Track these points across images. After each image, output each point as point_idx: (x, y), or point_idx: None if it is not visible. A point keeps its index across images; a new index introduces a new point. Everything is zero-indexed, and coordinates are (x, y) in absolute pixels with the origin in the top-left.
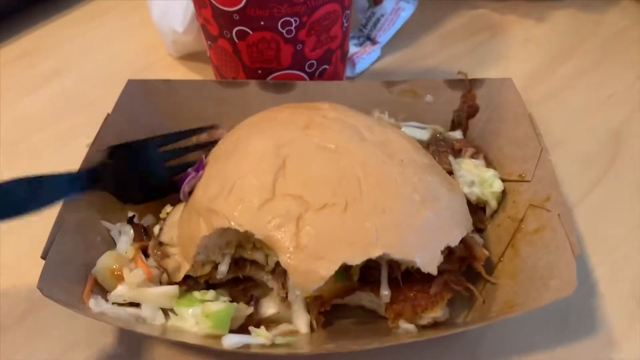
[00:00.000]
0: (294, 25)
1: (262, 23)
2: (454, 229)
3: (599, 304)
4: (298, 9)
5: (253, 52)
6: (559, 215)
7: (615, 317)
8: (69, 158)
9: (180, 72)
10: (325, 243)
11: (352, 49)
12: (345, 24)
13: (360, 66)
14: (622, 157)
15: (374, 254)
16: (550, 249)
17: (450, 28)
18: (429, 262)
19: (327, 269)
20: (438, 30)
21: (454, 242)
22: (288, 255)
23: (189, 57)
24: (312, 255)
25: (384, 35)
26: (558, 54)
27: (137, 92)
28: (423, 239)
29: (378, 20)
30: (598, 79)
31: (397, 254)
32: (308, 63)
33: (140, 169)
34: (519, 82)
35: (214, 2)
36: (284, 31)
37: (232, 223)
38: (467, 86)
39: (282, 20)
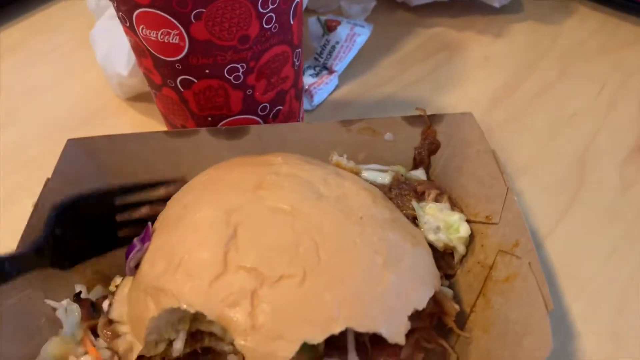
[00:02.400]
0: (241, 71)
1: (207, 71)
2: (421, 290)
3: (578, 345)
4: (244, 55)
5: (200, 99)
6: (529, 263)
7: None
8: (13, 219)
9: (130, 116)
10: (283, 321)
11: (309, 79)
12: (297, 63)
13: (318, 98)
14: (588, 182)
15: (336, 329)
16: (522, 301)
17: (407, 50)
18: (395, 331)
19: (287, 350)
20: (395, 53)
21: (421, 304)
22: (243, 337)
23: (139, 97)
24: (270, 335)
25: (340, 64)
26: (518, 72)
27: (78, 152)
28: (388, 307)
29: (333, 47)
30: (560, 96)
31: (360, 327)
32: (260, 106)
33: (88, 229)
34: (480, 105)
35: (153, 52)
36: (231, 77)
37: (182, 303)
38: (427, 122)
39: (228, 67)
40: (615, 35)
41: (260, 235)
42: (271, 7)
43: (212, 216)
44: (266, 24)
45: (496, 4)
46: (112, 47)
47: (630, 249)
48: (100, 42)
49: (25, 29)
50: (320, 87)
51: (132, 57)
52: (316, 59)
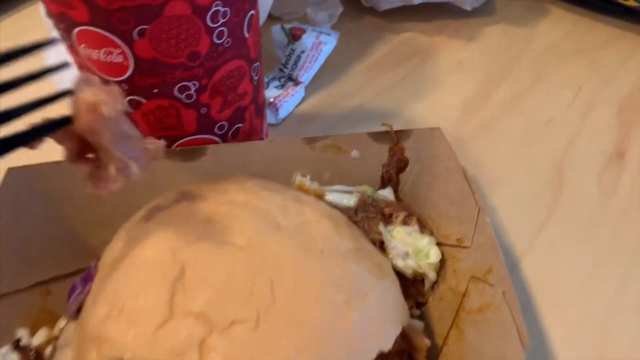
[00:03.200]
0: (193, 89)
1: (155, 91)
2: (387, 329)
3: None
4: (195, 72)
5: (151, 120)
6: (503, 292)
7: None
8: None
9: None
10: None
11: (274, 92)
12: (256, 77)
13: (284, 111)
14: (566, 193)
15: None
16: (496, 334)
17: (376, 57)
18: None
19: None
20: (364, 61)
21: (387, 345)
22: None
23: None
24: None
25: (306, 74)
26: (492, 76)
27: (20, 181)
28: (351, 350)
29: (299, 57)
30: (535, 101)
31: None
32: (217, 125)
33: None
34: (453, 114)
35: (97, 72)
36: (182, 96)
37: (125, 352)
38: (394, 138)
39: (179, 85)
40: (589, 36)
41: (210, 275)
42: (222, 20)
43: (158, 254)
44: (217, 39)
45: (468, 7)
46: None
47: (612, 266)
48: (52, 56)
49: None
50: (286, 100)
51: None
52: (281, 70)
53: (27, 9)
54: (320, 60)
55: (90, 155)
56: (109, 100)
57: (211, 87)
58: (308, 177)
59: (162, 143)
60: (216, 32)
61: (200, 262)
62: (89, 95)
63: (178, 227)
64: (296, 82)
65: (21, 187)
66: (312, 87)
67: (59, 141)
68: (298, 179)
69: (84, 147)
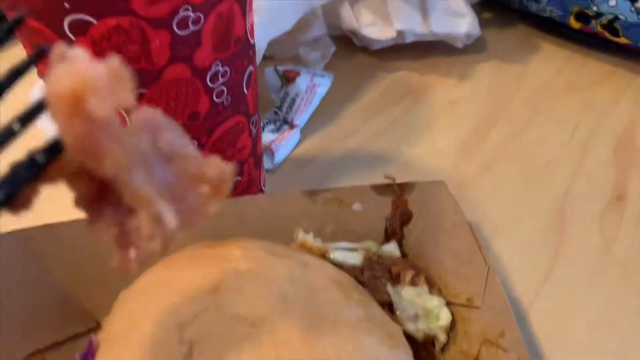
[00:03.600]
0: None
1: None
2: None
3: None
4: (194, 132)
5: None
6: (518, 358)
7: None
8: None
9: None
10: None
11: (269, 136)
12: (254, 130)
13: (280, 155)
14: (569, 239)
15: None
16: None
17: (370, 97)
18: None
19: None
20: (358, 101)
21: None
22: None
23: None
24: None
25: (301, 117)
26: (486, 116)
27: (11, 247)
28: None
29: (293, 100)
30: (532, 142)
31: None
32: None
33: None
34: (450, 156)
35: None
36: None
37: None
38: (397, 191)
39: None
40: (581, 73)
41: (220, 355)
42: (221, 80)
43: (163, 330)
44: (217, 98)
45: (459, 44)
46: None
47: (618, 314)
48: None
49: None
50: (281, 144)
51: None
52: (276, 113)
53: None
54: (315, 103)
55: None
56: (101, 85)
57: (211, 145)
58: (311, 233)
59: (231, 168)
60: (216, 91)
61: (208, 341)
62: (64, 79)
63: (183, 300)
64: (291, 125)
65: (13, 252)
66: (307, 129)
67: (54, 181)
68: (300, 235)
69: (101, 187)
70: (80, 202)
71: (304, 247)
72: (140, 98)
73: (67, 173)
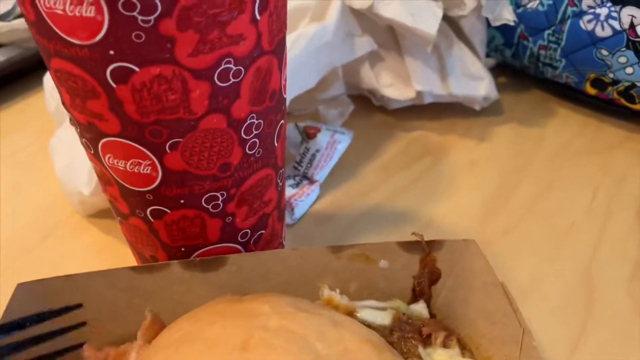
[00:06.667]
0: (220, 199)
1: (181, 201)
2: None
3: None
4: (224, 183)
5: (173, 230)
6: None
7: None
8: None
9: (91, 234)
10: None
11: (289, 191)
12: (280, 184)
13: (300, 210)
14: (598, 303)
15: None
16: None
17: (389, 155)
18: None
19: None
20: (377, 159)
21: None
22: None
23: (101, 214)
24: None
25: (321, 172)
26: (507, 177)
27: (30, 296)
28: None
29: (314, 156)
30: (555, 204)
31: None
32: (241, 233)
33: None
34: (474, 215)
35: (121, 182)
36: (209, 206)
37: None
38: (425, 249)
39: (206, 196)
40: (598, 138)
41: None
42: (255, 132)
43: None
44: (249, 150)
45: (477, 107)
46: (72, 161)
47: None
48: (60, 153)
49: None
50: (301, 199)
51: (94, 175)
52: (295, 168)
53: (28, 99)
54: (335, 159)
55: None
56: None
57: (239, 197)
58: (337, 290)
59: None
60: (249, 143)
61: None
62: None
63: (209, 354)
64: (311, 181)
65: (30, 302)
66: (327, 185)
67: None
68: (326, 293)
69: None
70: None
71: (331, 304)
72: (176, 146)
73: None
